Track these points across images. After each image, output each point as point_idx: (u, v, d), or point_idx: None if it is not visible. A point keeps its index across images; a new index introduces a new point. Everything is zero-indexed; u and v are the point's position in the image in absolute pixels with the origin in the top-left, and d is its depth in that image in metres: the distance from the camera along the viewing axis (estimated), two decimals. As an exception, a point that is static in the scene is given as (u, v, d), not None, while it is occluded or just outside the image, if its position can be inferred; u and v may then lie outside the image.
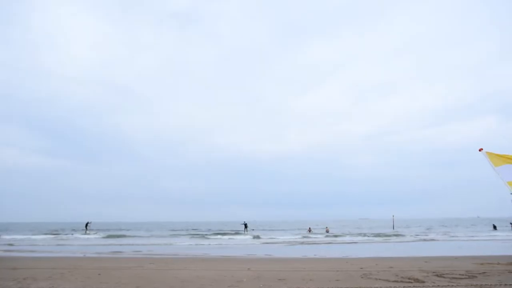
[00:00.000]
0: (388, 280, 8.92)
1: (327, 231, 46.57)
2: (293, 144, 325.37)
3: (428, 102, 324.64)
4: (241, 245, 27.09)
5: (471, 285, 8.28)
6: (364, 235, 40.51)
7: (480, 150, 6.52)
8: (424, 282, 8.70)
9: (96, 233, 44.56)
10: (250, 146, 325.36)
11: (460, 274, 9.82)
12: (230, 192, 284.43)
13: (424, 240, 32.68)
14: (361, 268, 11.31)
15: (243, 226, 53.13)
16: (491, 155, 6.48)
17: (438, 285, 8.23)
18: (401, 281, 8.82)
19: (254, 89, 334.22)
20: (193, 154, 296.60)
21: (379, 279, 9.17)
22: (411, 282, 8.64)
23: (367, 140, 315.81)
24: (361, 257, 16.19)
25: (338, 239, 34.71)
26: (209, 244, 28.73)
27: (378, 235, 39.93)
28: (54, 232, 48.91)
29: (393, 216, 61.35)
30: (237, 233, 48.06)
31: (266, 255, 19.06)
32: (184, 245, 27.32)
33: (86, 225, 51.73)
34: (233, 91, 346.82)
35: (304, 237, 38.25)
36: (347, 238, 35.39)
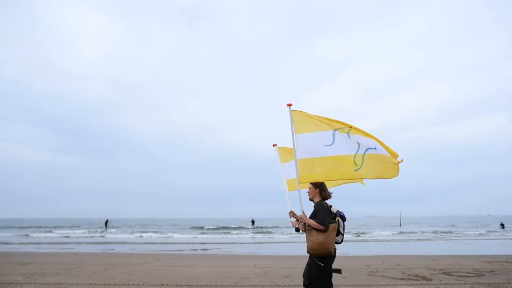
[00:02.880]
0: (395, 278, 8.88)
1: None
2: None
3: (437, 99, 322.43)
4: (247, 242, 27.14)
5: (479, 283, 8.20)
6: (371, 232, 40.34)
7: (274, 146, 5.73)
8: (431, 280, 8.64)
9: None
10: (258, 142, 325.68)
11: (467, 272, 9.74)
12: (237, 188, 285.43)
13: (432, 238, 32.47)
14: (368, 266, 11.27)
15: (251, 222, 53.58)
16: (282, 150, 5.68)
17: (445, 283, 8.17)
18: (408, 279, 8.77)
19: (262, 85, 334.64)
20: (201, 151, 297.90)
21: (386, 276, 9.13)
22: (418, 280, 8.59)
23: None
24: (368, 254, 16.13)
25: (344, 236, 34.55)
26: (216, 242, 28.82)
27: (384, 231, 39.76)
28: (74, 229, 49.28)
29: (400, 213, 61.06)
30: (243, 229, 48.24)
31: (272, 251, 19.08)
32: (190, 241, 27.44)
33: (106, 222, 52.00)
34: (241, 87, 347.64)
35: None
36: (354, 236, 35.28)
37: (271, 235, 36.21)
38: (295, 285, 7.95)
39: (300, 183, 4.62)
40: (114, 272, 9.94)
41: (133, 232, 40.94)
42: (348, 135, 4.59)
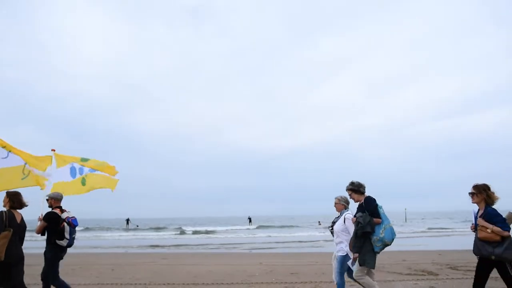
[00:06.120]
0: (401, 273, 8.85)
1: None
2: (305, 139, 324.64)
3: (441, 94, 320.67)
4: (250, 240, 27.15)
5: (486, 277, 8.15)
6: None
7: (52, 151, 6.46)
8: (437, 274, 8.61)
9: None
10: (262, 141, 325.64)
11: (474, 267, 9.66)
12: (240, 187, 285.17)
13: (438, 233, 32.36)
14: (374, 262, 11.23)
15: (248, 220, 54.47)
16: (58, 156, 6.52)
17: (452, 278, 8.14)
18: (414, 274, 8.74)
19: (266, 83, 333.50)
20: (204, 150, 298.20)
21: (392, 272, 9.11)
22: (425, 275, 8.56)
23: (380, 133, 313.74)
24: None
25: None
26: (219, 241, 28.87)
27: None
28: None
29: (405, 209, 60.82)
30: (244, 227, 48.55)
31: (277, 249, 19.10)
32: (194, 240, 27.50)
33: (127, 221, 52.91)
34: (245, 86, 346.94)
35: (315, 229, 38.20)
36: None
37: (277, 234, 36.22)
38: (302, 282, 7.94)
39: None
40: (120, 272, 9.98)
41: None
42: (8, 153, 5.87)
